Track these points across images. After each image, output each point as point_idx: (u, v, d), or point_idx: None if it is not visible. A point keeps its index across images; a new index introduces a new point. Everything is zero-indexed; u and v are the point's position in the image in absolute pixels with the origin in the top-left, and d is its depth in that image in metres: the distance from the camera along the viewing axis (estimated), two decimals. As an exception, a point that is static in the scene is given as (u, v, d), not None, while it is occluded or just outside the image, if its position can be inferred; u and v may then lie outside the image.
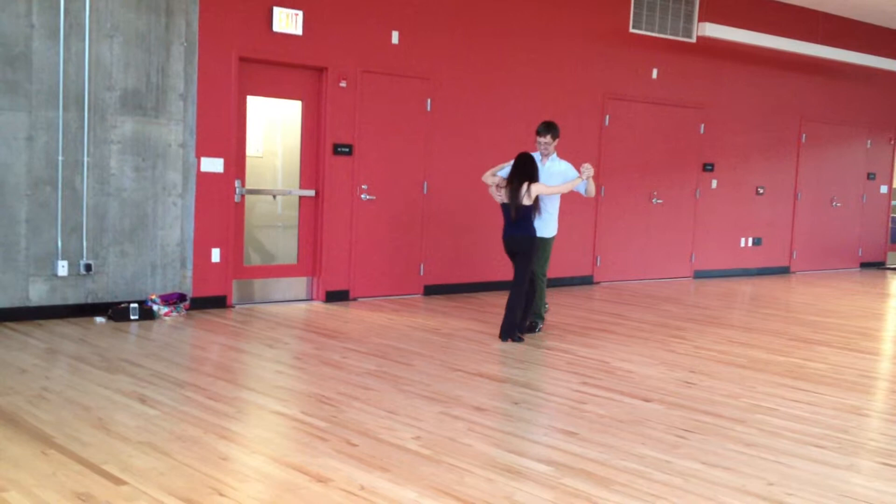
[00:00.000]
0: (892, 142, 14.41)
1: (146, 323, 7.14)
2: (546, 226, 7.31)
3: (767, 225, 12.72)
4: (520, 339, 7.03)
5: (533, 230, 7.03)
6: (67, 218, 7.10)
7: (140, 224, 7.45)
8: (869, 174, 14.11)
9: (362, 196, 8.69)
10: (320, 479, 3.78)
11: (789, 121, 12.72)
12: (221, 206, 7.85)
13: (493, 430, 4.65)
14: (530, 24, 9.74)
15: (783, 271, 13.05)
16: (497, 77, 9.55)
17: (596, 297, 9.83)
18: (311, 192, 8.53)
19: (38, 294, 7.02)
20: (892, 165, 14.55)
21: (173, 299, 7.49)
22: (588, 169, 7.13)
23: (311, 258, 8.60)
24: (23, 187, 6.89)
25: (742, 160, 12.19)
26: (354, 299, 8.74)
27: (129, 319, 7.16)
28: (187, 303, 7.63)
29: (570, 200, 8.89)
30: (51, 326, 6.82)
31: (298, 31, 8.10)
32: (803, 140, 12.95)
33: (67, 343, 6.32)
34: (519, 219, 6.95)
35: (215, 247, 7.85)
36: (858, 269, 14.13)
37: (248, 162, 8.21)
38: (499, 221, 7.18)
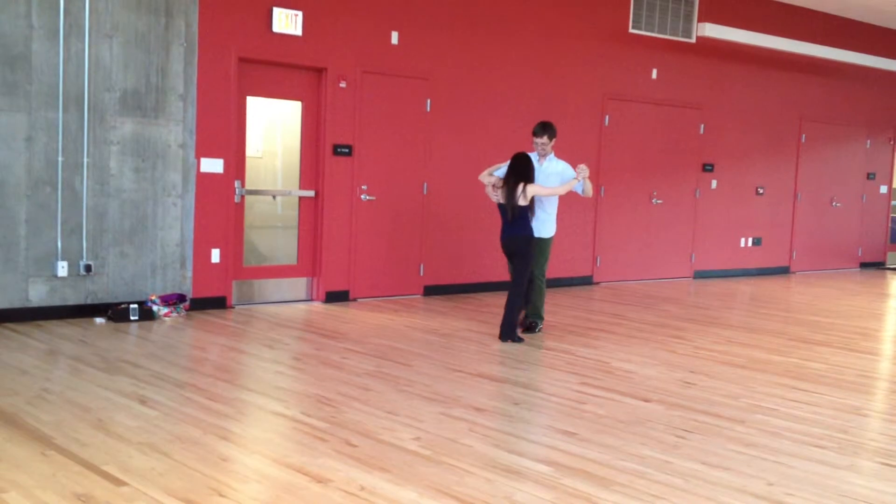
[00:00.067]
0: (892, 142, 14.41)
1: (146, 324, 7.14)
2: (544, 226, 7.31)
3: (767, 225, 12.72)
4: (520, 340, 7.02)
5: (530, 230, 7.03)
6: (67, 219, 7.10)
7: (140, 225, 7.45)
8: (869, 174, 14.12)
9: (362, 196, 8.69)
10: (320, 480, 3.78)
11: (789, 121, 12.72)
12: (221, 206, 7.85)
13: (493, 430, 4.65)
14: (530, 24, 9.74)
15: (783, 271, 13.05)
16: (497, 77, 9.55)
17: (596, 298, 9.83)
18: (311, 193, 8.53)
19: (37, 295, 7.02)
20: (892, 165, 14.56)
21: (173, 300, 7.49)
22: (584, 170, 7.13)
23: (310, 259, 8.60)
24: (22, 188, 6.89)
25: (742, 160, 12.19)
26: (354, 300, 8.74)
27: (128, 320, 7.16)
28: (187, 303, 7.63)
29: (569, 201, 8.90)
30: (50, 327, 6.82)
31: (298, 31, 8.10)
32: (803, 140, 12.95)
33: (67, 344, 6.32)
34: (515, 219, 6.95)
35: (215, 247, 7.86)
36: (858, 269, 14.14)
37: (248, 162, 8.22)
38: (498, 222, 7.18)
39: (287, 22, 8.01)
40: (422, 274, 9.21)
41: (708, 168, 11.78)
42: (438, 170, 9.16)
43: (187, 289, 7.73)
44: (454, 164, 9.20)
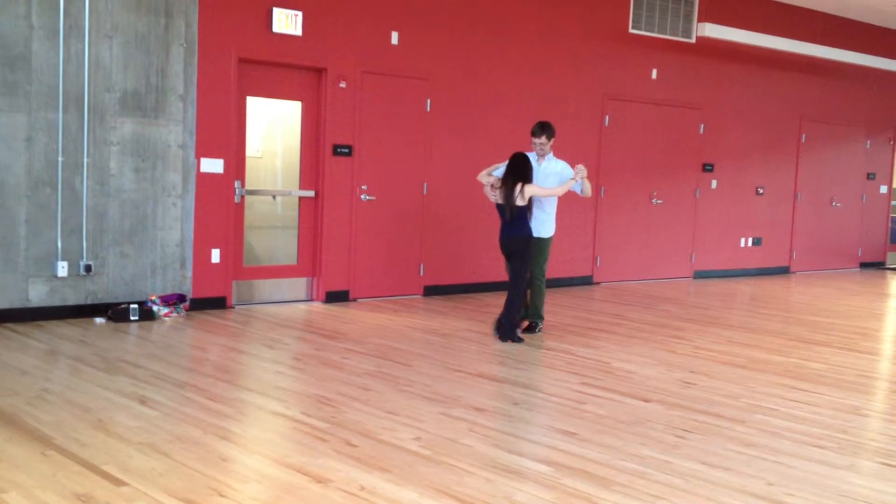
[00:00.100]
0: (892, 142, 14.41)
1: (146, 324, 7.14)
2: (543, 226, 7.30)
3: (767, 225, 12.72)
4: (520, 340, 7.02)
5: (528, 230, 7.02)
6: (67, 219, 7.10)
7: (140, 225, 7.45)
8: (868, 174, 14.12)
9: (362, 196, 8.69)
10: (320, 480, 3.78)
11: (789, 121, 12.72)
12: (221, 206, 7.86)
13: (493, 430, 4.65)
14: (530, 24, 9.74)
15: (783, 271, 13.05)
16: (497, 77, 9.55)
17: (596, 298, 9.83)
18: (311, 193, 8.53)
19: (37, 295, 7.02)
20: (892, 165, 14.56)
21: (173, 300, 7.49)
22: (582, 170, 7.12)
23: (310, 259, 8.60)
24: (22, 188, 6.90)
25: (742, 160, 12.20)
26: (354, 300, 8.74)
27: (128, 320, 7.16)
28: (187, 303, 7.63)
29: (569, 201, 8.90)
30: (50, 327, 6.83)
31: (298, 31, 8.10)
32: (803, 140, 12.95)
33: (67, 344, 6.32)
34: (514, 219, 6.95)
35: (215, 247, 7.86)
36: (858, 269, 14.14)
37: (248, 163, 8.22)
38: (498, 222, 7.18)
39: (287, 22, 8.01)
40: (422, 274, 9.22)
41: (708, 168, 11.79)
42: (438, 170, 9.16)
43: (187, 289, 7.73)
44: (454, 164, 9.20)
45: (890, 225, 14.74)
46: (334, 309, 8.29)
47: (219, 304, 7.92)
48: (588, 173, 7.24)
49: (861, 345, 7.64)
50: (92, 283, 7.25)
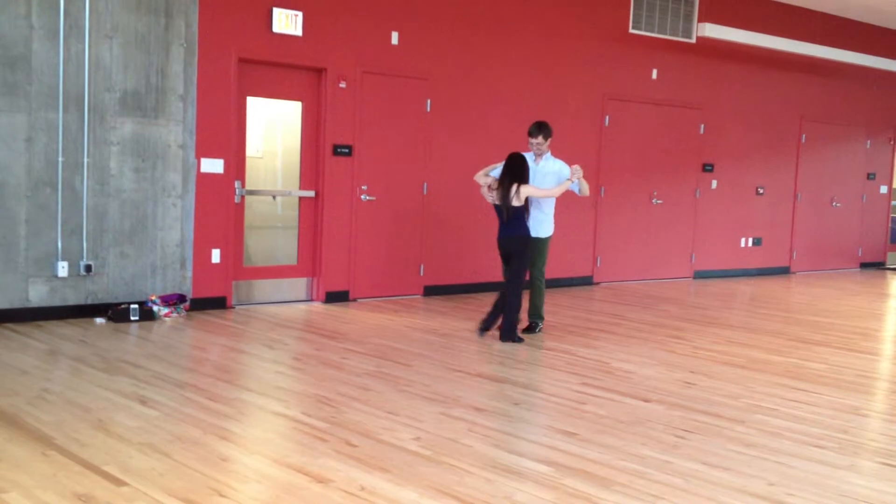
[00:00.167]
0: (892, 142, 14.41)
1: (146, 324, 7.15)
2: (541, 226, 7.30)
3: (767, 225, 12.72)
4: (520, 340, 7.02)
5: (526, 230, 7.02)
6: (67, 219, 7.10)
7: (140, 225, 7.45)
8: (869, 174, 14.12)
9: (362, 197, 8.69)
10: (320, 480, 3.78)
11: (789, 121, 12.72)
12: (221, 206, 7.86)
13: (493, 430, 4.65)
14: (530, 24, 9.75)
15: (783, 271, 13.05)
16: (497, 77, 9.55)
17: (596, 298, 9.83)
18: (311, 193, 8.53)
19: (38, 295, 7.02)
20: (892, 165, 14.56)
21: (173, 300, 7.49)
22: (577, 170, 7.11)
23: (310, 259, 8.60)
24: (23, 188, 6.90)
25: (742, 160, 12.20)
26: (354, 300, 8.74)
27: (129, 320, 7.16)
28: (187, 304, 7.63)
29: (569, 201, 8.89)
30: (51, 327, 6.83)
31: (298, 31, 8.10)
32: (803, 140, 12.95)
33: (67, 344, 6.32)
34: (511, 219, 6.94)
35: (215, 247, 7.86)
36: (858, 270, 14.14)
37: (248, 163, 8.22)
38: (497, 222, 7.17)
39: (287, 22, 8.01)
40: (422, 274, 9.22)
41: (708, 168, 11.79)
42: (438, 170, 9.16)
43: (187, 289, 7.73)
44: (454, 164, 9.20)
45: (890, 225, 14.74)
46: (334, 309, 8.29)
47: (219, 304, 7.92)
48: (588, 173, 7.26)
49: (861, 345, 7.64)
50: (92, 283, 7.25)
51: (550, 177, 7.25)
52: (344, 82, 8.45)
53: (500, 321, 7.13)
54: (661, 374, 6.13)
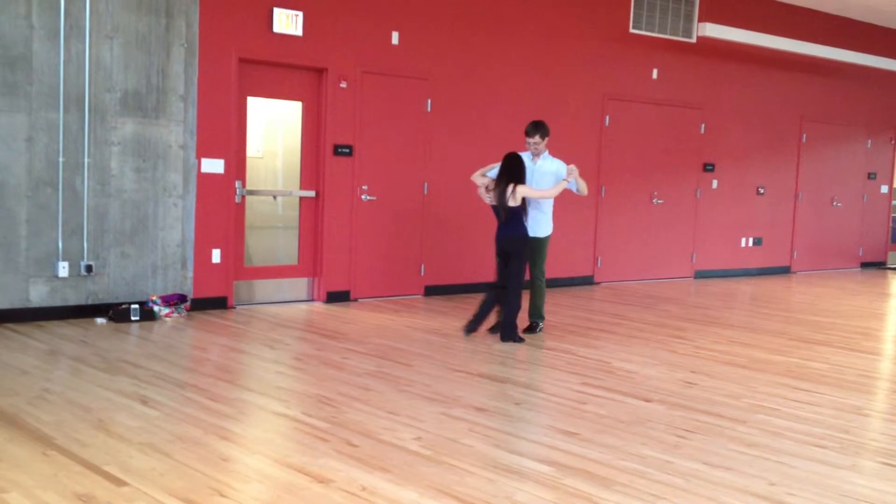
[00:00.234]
0: (893, 141, 14.41)
1: (147, 324, 7.14)
2: (540, 225, 7.29)
3: (768, 225, 12.72)
4: (520, 340, 7.02)
5: (524, 230, 7.01)
6: (68, 219, 7.10)
7: (140, 225, 7.45)
8: (869, 174, 14.12)
9: (363, 197, 8.69)
10: (321, 480, 3.78)
11: (789, 121, 12.72)
12: (222, 206, 7.86)
13: (493, 430, 4.65)
14: (530, 24, 9.74)
15: (784, 271, 13.05)
16: (497, 77, 9.55)
17: (596, 298, 9.83)
18: (312, 193, 8.53)
19: (38, 295, 7.02)
20: (893, 165, 14.55)
21: (174, 300, 7.49)
22: (573, 170, 7.10)
23: (311, 259, 8.60)
24: (23, 189, 6.90)
25: (742, 160, 12.19)
26: (355, 300, 8.74)
27: (129, 320, 7.16)
28: (188, 304, 7.63)
29: (569, 201, 8.89)
30: (51, 327, 6.83)
31: (298, 31, 8.10)
32: (803, 140, 12.95)
33: (68, 344, 6.32)
34: (509, 220, 6.94)
35: (216, 248, 7.86)
36: (859, 269, 14.13)
37: (249, 163, 8.22)
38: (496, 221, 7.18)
39: (287, 22, 8.01)
40: (422, 274, 9.21)
41: (708, 168, 11.78)
42: (439, 170, 9.16)
43: (188, 289, 7.73)
44: (454, 164, 9.19)
45: (891, 224, 14.73)
46: (335, 309, 8.29)
47: (219, 304, 7.92)
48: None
49: (862, 344, 7.64)
50: (93, 283, 7.25)
51: (548, 176, 7.24)
52: (344, 82, 8.45)
53: (485, 322, 7.13)
54: (662, 374, 6.12)
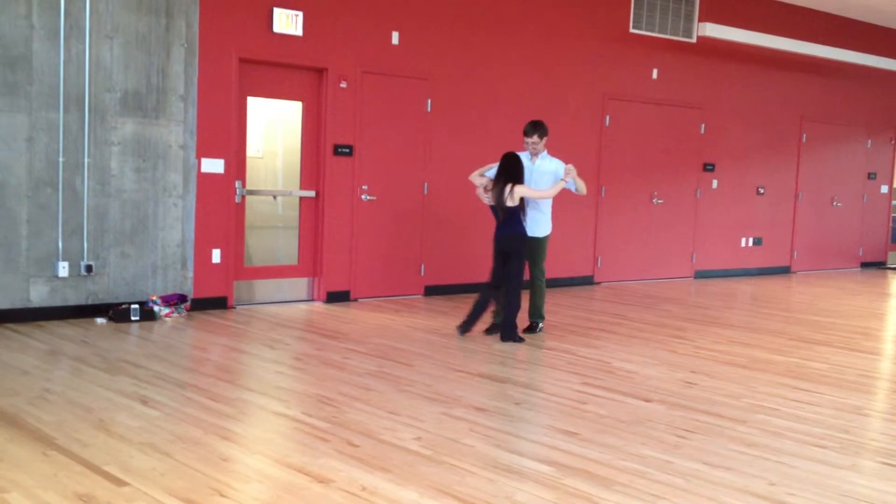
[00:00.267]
0: (893, 141, 14.41)
1: (147, 324, 7.15)
2: (538, 225, 7.28)
3: (768, 225, 12.72)
4: (521, 340, 7.02)
5: (523, 230, 7.01)
6: (68, 219, 7.10)
7: (141, 225, 7.45)
8: (869, 174, 14.12)
9: (363, 196, 8.69)
10: (321, 480, 3.78)
11: (790, 121, 12.72)
12: (222, 206, 7.86)
13: (494, 430, 4.65)
14: (530, 24, 9.74)
15: (784, 271, 13.05)
16: (497, 77, 9.55)
17: (596, 298, 9.83)
18: (312, 193, 8.53)
19: (38, 295, 7.02)
20: (893, 165, 14.55)
21: (174, 300, 7.49)
22: (571, 170, 7.09)
23: (311, 259, 8.60)
24: (23, 189, 6.90)
25: (742, 160, 12.20)
26: (355, 300, 8.74)
27: (129, 320, 7.16)
28: (188, 304, 7.63)
29: (569, 201, 8.90)
30: (51, 327, 6.83)
31: (298, 31, 8.10)
32: (804, 140, 12.95)
33: (68, 344, 6.32)
34: (507, 219, 6.94)
35: (216, 248, 7.86)
36: (859, 269, 14.13)
37: (249, 163, 8.22)
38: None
39: (287, 22, 8.01)
40: (422, 274, 9.22)
41: (709, 168, 11.78)
42: (439, 170, 9.16)
43: (188, 289, 7.73)
44: (454, 164, 9.19)
45: (891, 224, 14.73)
46: (335, 309, 8.29)
47: (220, 304, 7.92)
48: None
49: (862, 344, 7.64)
50: (93, 283, 7.25)
51: (547, 176, 7.24)
52: (344, 82, 8.45)
53: (479, 321, 7.14)
54: (662, 374, 6.12)
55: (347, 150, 8.53)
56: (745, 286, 11.41)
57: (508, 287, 6.99)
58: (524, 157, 7.15)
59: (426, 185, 9.12)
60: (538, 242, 7.31)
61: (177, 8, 7.45)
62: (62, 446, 4.09)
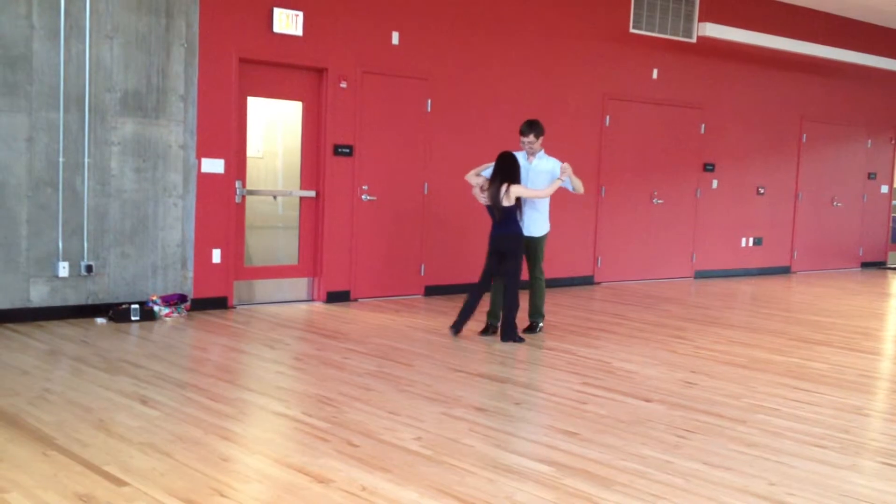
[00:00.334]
0: (893, 141, 14.41)
1: (147, 324, 7.15)
2: (536, 225, 7.28)
3: (768, 225, 12.72)
4: (521, 340, 7.02)
5: (519, 229, 7.00)
6: (68, 219, 7.10)
7: (141, 225, 7.45)
8: (870, 174, 14.12)
9: (363, 196, 8.69)
10: (321, 480, 3.78)
11: (790, 121, 12.72)
12: (222, 206, 7.86)
13: (494, 430, 4.65)
14: (530, 24, 9.74)
15: (784, 271, 13.05)
16: (497, 77, 9.55)
17: (596, 298, 9.83)
18: (312, 193, 8.53)
19: (38, 295, 7.02)
20: (893, 165, 14.55)
21: (174, 300, 7.49)
22: (567, 168, 7.08)
23: (311, 259, 8.60)
24: (23, 189, 6.90)
25: (743, 160, 12.20)
26: (355, 300, 8.74)
27: (129, 320, 7.16)
28: (188, 304, 7.63)
29: (569, 201, 8.90)
30: (52, 327, 6.83)
31: (299, 31, 8.10)
32: (804, 140, 12.95)
33: (68, 344, 6.32)
34: (503, 219, 6.93)
35: (216, 247, 7.86)
36: (859, 269, 14.13)
37: (249, 163, 8.22)
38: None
39: (287, 22, 8.02)
40: (423, 274, 9.22)
41: (709, 168, 11.78)
42: (439, 170, 9.16)
43: (188, 289, 7.73)
44: (455, 164, 9.17)
45: (891, 224, 14.73)
46: (335, 309, 8.29)
47: (220, 304, 7.92)
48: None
49: (862, 344, 7.64)
50: (93, 283, 7.25)
51: (544, 175, 7.23)
52: (344, 82, 8.45)
53: (470, 319, 7.15)
54: (662, 374, 6.12)
55: (347, 150, 8.53)
56: (746, 286, 11.41)
57: (507, 287, 6.99)
58: (521, 156, 7.15)
59: (426, 185, 9.12)
60: (536, 242, 7.30)
61: (177, 8, 7.45)
62: (62, 446, 4.09)
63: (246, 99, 8.06)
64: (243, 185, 8.09)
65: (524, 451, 4.32)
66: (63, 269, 7.07)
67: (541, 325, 7.48)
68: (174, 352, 6.31)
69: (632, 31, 10.64)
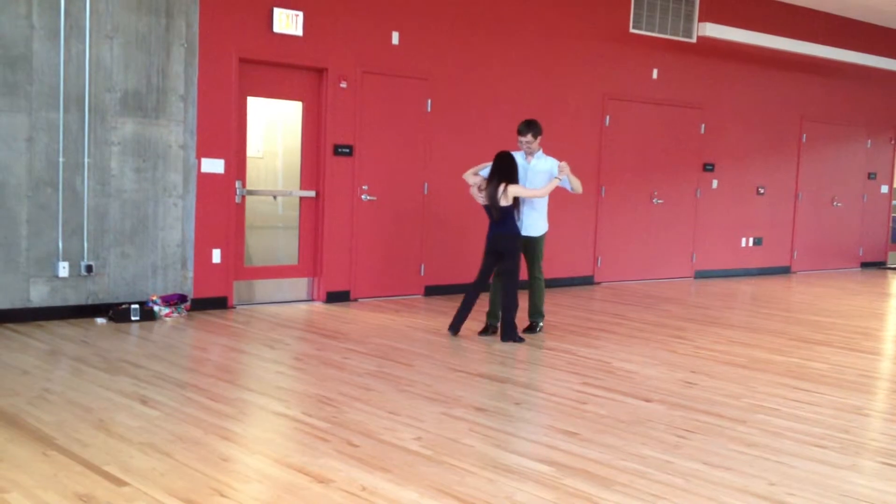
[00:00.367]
0: (893, 141, 14.41)
1: (147, 324, 7.15)
2: (534, 224, 7.27)
3: (768, 225, 12.72)
4: (521, 340, 7.02)
5: (516, 229, 7.00)
6: (68, 219, 7.10)
7: (141, 225, 7.45)
8: (869, 174, 14.12)
9: (363, 196, 8.69)
10: (321, 480, 3.78)
11: (790, 121, 12.72)
12: (222, 206, 7.86)
13: (494, 430, 4.65)
14: (530, 24, 9.75)
15: (784, 271, 13.05)
16: (497, 77, 9.55)
17: (596, 298, 9.83)
18: (312, 193, 8.53)
19: (38, 295, 7.02)
20: (893, 165, 14.55)
21: (174, 300, 7.49)
22: (564, 167, 7.08)
23: (311, 259, 8.60)
24: (23, 189, 6.90)
25: (743, 160, 12.19)
26: (355, 300, 8.74)
27: (129, 320, 7.16)
28: (188, 304, 7.63)
29: (569, 201, 8.90)
30: (52, 327, 6.83)
31: (299, 31, 8.10)
32: (804, 140, 12.95)
33: (68, 344, 6.32)
34: (501, 219, 6.93)
35: (216, 248, 7.86)
36: (859, 269, 14.13)
37: (249, 163, 8.22)
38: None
39: (287, 22, 8.02)
40: (422, 274, 9.22)
41: (709, 168, 11.78)
42: (439, 170, 9.16)
43: (188, 289, 7.73)
44: (454, 164, 9.16)
45: (891, 224, 14.73)
46: (335, 309, 8.29)
47: (220, 304, 7.92)
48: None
49: (862, 344, 7.64)
50: (93, 283, 7.25)
51: (543, 175, 7.22)
52: (344, 82, 8.45)
53: (467, 319, 7.15)
54: (662, 374, 6.12)
55: (347, 150, 8.53)
56: (746, 286, 11.41)
57: (506, 287, 6.99)
58: (519, 156, 7.15)
59: (426, 185, 9.12)
60: (535, 242, 7.30)
61: (177, 8, 7.45)
62: (62, 446, 4.09)
63: (246, 99, 8.06)
64: (243, 185, 8.09)
65: (524, 451, 4.32)
66: (63, 269, 7.07)
67: (541, 324, 7.48)
68: (174, 352, 6.31)
69: (632, 31, 10.64)
